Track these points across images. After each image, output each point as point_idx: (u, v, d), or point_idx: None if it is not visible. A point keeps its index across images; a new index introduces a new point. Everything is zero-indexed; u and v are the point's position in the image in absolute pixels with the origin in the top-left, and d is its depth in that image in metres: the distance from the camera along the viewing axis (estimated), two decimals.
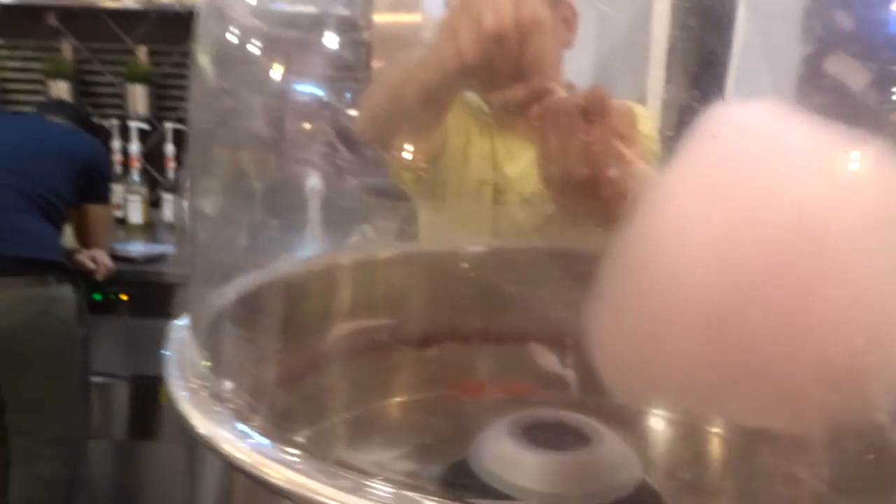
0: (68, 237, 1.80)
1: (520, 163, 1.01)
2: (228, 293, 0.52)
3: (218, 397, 0.43)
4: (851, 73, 0.47)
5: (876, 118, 0.43)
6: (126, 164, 2.21)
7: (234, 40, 0.58)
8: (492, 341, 0.69)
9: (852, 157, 0.38)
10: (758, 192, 0.37)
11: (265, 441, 0.40)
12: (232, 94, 0.58)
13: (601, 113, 0.44)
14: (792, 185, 0.37)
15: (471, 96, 1.03)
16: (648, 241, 0.40)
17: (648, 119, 0.94)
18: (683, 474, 0.60)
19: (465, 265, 0.68)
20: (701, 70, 0.70)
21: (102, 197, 1.79)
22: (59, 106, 2.00)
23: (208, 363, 0.48)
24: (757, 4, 0.58)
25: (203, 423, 0.42)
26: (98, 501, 1.91)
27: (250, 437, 0.40)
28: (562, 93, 0.45)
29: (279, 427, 0.40)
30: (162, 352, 0.51)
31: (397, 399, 0.63)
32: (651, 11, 0.99)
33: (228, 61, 0.57)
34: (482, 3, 0.44)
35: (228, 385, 0.43)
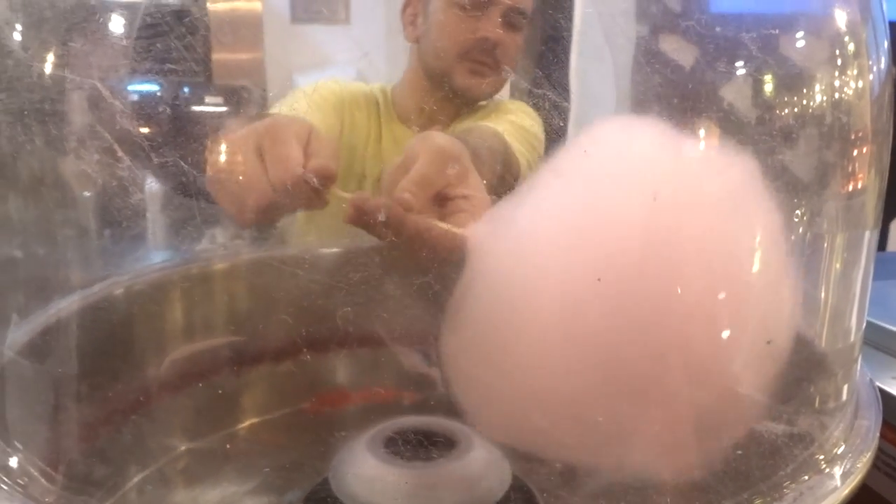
0: None
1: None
2: (18, 335, 0.43)
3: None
4: (681, 50, 0.47)
5: (706, 93, 0.42)
6: None
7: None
8: (351, 346, 0.64)
9: (696, 153, 0.38)
10: (607, 200, 0.36)
11: None
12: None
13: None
14: (640, 187, 0.36)
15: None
16: (500, 263, 0.39)
17: (531, 118, 0.90)
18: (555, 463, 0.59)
19: (315, 268, 0.62)
20: (545, 47, 0.69)
21: None
22: None
23: None
24: None
25: None
26: None
27: None
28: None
29: (85, 491, 0.34)
30: None
31: (249, 422, 0.57)
32: None
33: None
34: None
35: (14, 461, 0.35)
